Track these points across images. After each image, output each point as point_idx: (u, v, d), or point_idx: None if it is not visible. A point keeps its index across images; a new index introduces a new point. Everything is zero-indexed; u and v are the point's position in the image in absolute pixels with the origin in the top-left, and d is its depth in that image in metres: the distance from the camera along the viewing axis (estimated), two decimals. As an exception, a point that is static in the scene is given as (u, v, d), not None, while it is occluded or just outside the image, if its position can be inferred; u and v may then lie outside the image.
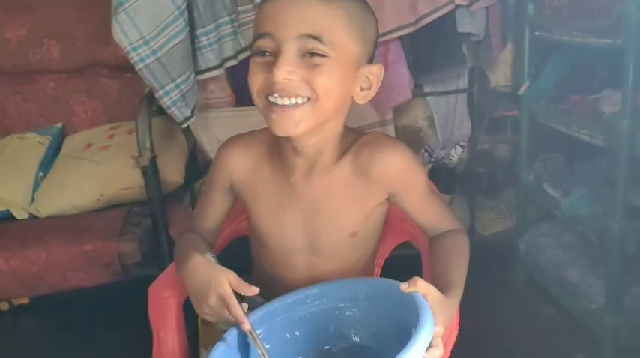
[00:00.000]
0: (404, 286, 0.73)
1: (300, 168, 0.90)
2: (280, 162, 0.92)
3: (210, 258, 0.87)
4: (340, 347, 0.86)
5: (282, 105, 0.79)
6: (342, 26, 0.79)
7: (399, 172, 0.89)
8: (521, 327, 1.75)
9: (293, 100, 0.79)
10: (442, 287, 0.81)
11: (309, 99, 0.79)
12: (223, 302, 0.79)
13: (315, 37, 0.77)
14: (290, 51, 0.77)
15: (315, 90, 0.79)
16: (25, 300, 2.01)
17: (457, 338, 0.87)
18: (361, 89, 0.86)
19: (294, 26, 0.77)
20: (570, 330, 1.69)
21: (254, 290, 0.81)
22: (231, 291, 0.80)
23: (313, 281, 0.91)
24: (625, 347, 1.53)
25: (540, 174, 1.81)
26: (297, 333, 0.81)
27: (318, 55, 0.78)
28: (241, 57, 1.74)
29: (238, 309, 0.79)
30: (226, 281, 0.80)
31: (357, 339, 0.86)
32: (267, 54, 0.80)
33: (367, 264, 1.00)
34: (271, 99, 0.79)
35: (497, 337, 1.69)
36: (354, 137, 0.91)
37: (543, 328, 1.75)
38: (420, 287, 0.74)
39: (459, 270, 0.88)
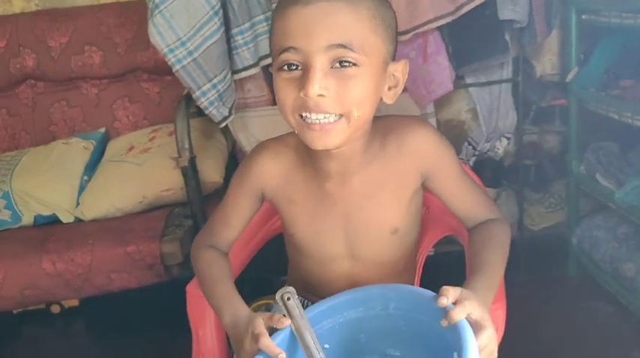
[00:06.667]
0: (444, 323, 0.70)
1: (335, 172, 0.87)
2: (312, 168, 0.89)
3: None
4: None
5: (318, 122, 0.76)
6: (370, 27, 0.76)
7: (431, 146, 0.87)
8: (576, 325, 1.69)
9: (328, 117, 0.76)
10: (471, 272, 0.78)
11: (341, 116, 0.76)
12: (255, 339, 0.77)
13: (344, 46, 0.74)
14: (320, 64, 0.74)
15: (348, 107, 0.76)
16: (75, 303, 2.06)
17: (508, 337, 0.83)
18: (389, 88, 0.83)
19: (321, 37, 0.73)
20: (628, 327, 1.62)
21: (285, 323, 0.78)
22: (263, 327, 0.78)
23: (354, 283, 0.89)
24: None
25: (592, 164, 1.74)
26: (326, 346, 0.78)
27: (349, 63, 0.75)
28: (278, 54, 1.73)
29: (268, 343, 0.76)
30: (259, 320, 0.79)
31: (390, 353, 0.83)
32: (294, 67, 0.76)
33: (408, 265, 0.97)
34: (306, 118, 0.76)
35: (551, 335, 1.64)
36: (378, 125, 0.88)
37: (599, 326, 1.68)
38: (453, 297, 0.71)
39: (493, 257, 0.84)
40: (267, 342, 0.76)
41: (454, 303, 0.71)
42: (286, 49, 0.75)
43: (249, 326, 0.79)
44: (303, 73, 0.75)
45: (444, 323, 0.70)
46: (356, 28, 0.75)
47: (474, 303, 0.71)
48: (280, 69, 0.77)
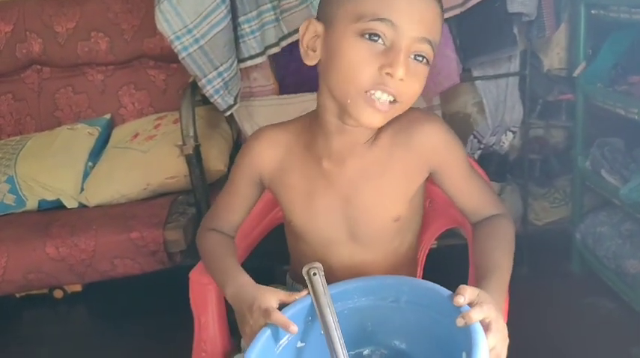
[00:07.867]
0: (460, 322, 0.69)
1: (335, 151, 0.87)
2: (311, 148, 0.89)
3: None
4: (379, 354, 0.83)
5: (383, 102, 0.77)
6: (440, 29, 0.79)
7: (440, 142, 0.87)
8: (578, 321, 1.68)
9: (392, 98, 0.77)
10: (482, 274, 0.77)
11: (396, 101, 0.78)
12: (265, 314, 0.77)
13: (430, 42, 0.76)
14: (409, 51, 0.76)
15: (406, 97, 0.78)
16: (78, 288, 2.08)
17: (510, 332, 0.82)
18: None
19: (421, 26, 0.75)
20: (630, 324, 1.61)
21: (302, 294, 0.80)
22: (272, 302, 0.79)
23: (355, 271, 0.89)
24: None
25: (598, 159, 1.73)
26: None
27: (424, 59, 0.77)
28: (284, 44, 1.72)
29: (281, 316, 0.76)
30: (272, 298, 0.79)
31: (396, 345, 0.82)
32: (376, 39, 0.75)
33: (410, 251, 0.97)
34: (372, 94, 0.76)
35: (553, 331, 1.63)
36: None
37: (601, 322, 1.67)
38: (469, 296, 0.71)
39: (501, 256, 0.84)
40: (278, 316, 0.76)
41: (469, 304, 0.71)
42: (382, 19, 0.74)
43: (257, 300, 0.79)
44: (389, 51, 0.75)
45: (461, 322, 0.69)
46: (438, 29, 0.78)
47: (490, 307, 0.70)
48: (362, 35, 0.75)
